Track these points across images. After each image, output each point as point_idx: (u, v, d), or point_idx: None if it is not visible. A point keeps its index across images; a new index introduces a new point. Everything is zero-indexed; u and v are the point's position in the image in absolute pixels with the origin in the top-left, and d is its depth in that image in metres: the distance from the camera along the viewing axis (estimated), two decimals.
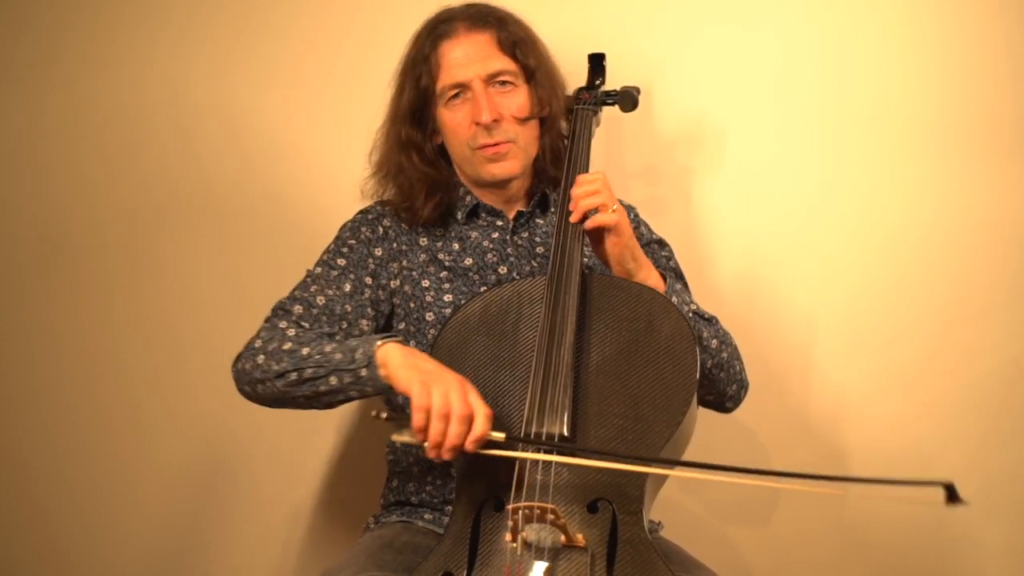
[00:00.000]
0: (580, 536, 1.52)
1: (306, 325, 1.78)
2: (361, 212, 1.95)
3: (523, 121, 1.87)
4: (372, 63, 2.04)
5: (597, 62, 2.04)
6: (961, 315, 2.20)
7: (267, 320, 1.80)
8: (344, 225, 1.94)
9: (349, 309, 1.83)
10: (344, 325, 1.82)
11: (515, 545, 1.50)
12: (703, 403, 1.86)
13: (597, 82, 2.02)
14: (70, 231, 2.38)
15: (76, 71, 2.38)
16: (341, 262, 1.88)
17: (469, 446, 1.53)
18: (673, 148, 2.25)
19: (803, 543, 2.22)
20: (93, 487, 2.37)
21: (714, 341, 1.84)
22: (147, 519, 2.36)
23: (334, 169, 2.21)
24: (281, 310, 1.81)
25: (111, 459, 2.37)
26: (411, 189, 1.90)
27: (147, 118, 2.37)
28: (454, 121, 1.86)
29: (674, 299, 1.78)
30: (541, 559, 1.50)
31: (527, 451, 1.57)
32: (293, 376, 1.68)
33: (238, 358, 1.77)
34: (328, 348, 1.67)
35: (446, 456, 1.53)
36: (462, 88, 1.85)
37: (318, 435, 2.35)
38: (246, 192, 2.34)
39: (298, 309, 1.81)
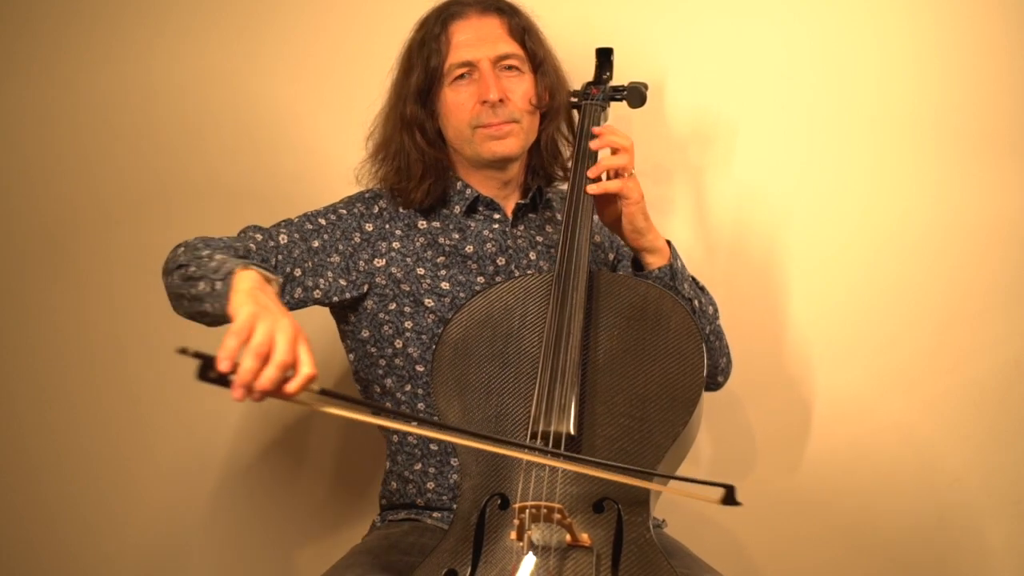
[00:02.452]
0: (585, 536, 1.51)
1: (252, 247, 1.76)
2: (359, 192, 1.94)
3: (527, 107, 1.86)
4: (382, 52, 2.02)
5: (605, 57, 2.02)
6: (961, 315, 2.19)
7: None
8: (341, 199, 1.93)
9: (310, 264, 1.81)
10: (297, 272, 1.79)
11: (521, 544, 1.49)
12: None
13: (605, 77, 2.00)
14: (72, 228, 2.37)
15: (80, 62, 2.37)
16: (322, 222, 1.86)
17: (273, 394, 1.36)
18: (681, 146, 2.24)
19: (806, 542, 2.22)
20: (93, 485, 2.35)
21: (710, 307, 1.90)
22: (148, 518, 2.35)
23: (345, 162, 2.18)
24: (243, 231, 1.80)
25: (112, 457, 2.36)
26: (408, 169, 1.87)
27: (151, 113, 2.36)
28: (458, 100, 1.84)
29: (678, 263, 1.83)
30: (546, 558, 1.49)
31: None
32: (183, 271, 1.63)
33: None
34: (219, 256, 1.61)
35: (253, 398, 1.36)
36: (469, 68, 1.84)
37: (319, 434, 2.35)
38: (252, 189, 2.33)
39: (259, 237, 1.79)
